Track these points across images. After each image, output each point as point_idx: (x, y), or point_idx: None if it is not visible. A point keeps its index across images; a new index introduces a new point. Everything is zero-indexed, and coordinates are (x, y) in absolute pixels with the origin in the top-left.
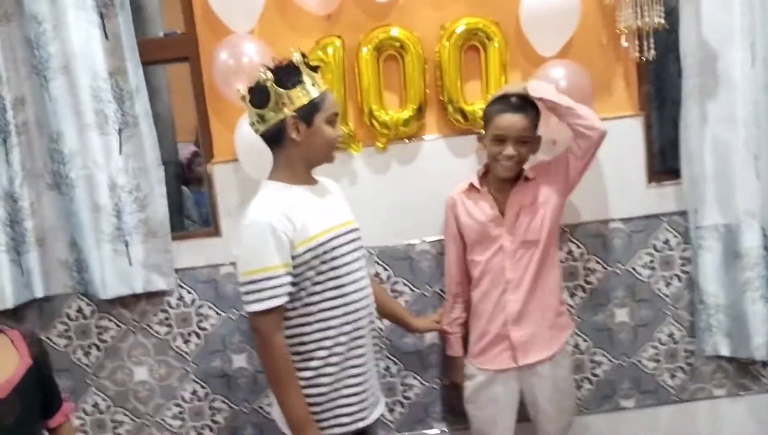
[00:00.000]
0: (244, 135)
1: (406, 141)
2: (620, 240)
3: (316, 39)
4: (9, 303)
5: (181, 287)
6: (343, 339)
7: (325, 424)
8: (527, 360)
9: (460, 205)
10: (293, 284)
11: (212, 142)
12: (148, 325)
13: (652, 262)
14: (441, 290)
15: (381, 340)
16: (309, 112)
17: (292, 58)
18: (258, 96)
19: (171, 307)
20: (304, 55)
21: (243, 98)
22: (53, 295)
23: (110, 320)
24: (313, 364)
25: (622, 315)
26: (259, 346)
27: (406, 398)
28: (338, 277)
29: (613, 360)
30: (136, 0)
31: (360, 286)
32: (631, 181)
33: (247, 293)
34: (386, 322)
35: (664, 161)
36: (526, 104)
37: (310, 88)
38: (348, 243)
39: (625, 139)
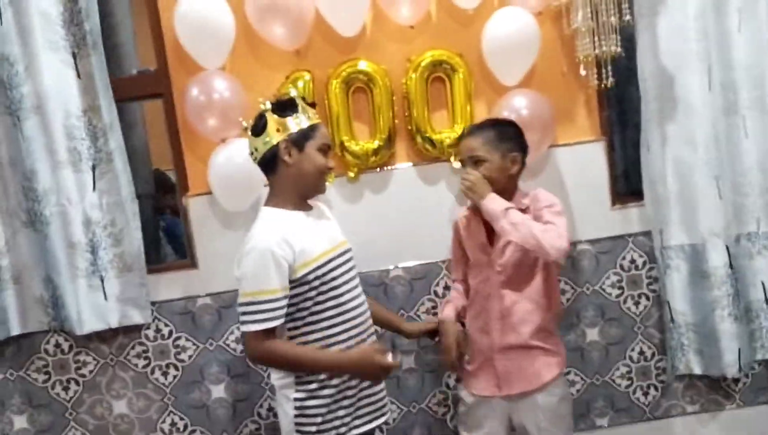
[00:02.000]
0: (218, 168)
1: (377, 170)
2: (588, 261)
3: (286, 73)
4: None
5: (158, 320)
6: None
7: (325, 433)
8: (511, 390)
9: (461, 225)
10: (294, 305)
11: (187, 176)
12: (126, 359)
13: (619, 281)
14: (417, 315)
15: None
16: (301, 138)
17: (290, 94)
18: (256, 125)
19: (148, 340)
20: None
21: (245, 129)
22: (30, 331)
23: (88, 355)
24: (319, 376)
25: (593, 334)
26: (259, 359)
27: (385, 424)
28: (338, 296)
29: (586, 379)
30: (110, 38)
31: (358, 302)
32: (595, 203)
33: (245, 314)
34: None
35: (627, 183)
36: (485, 126)
37: (303, 119)
38: (344, 263)
39: (588, 164)
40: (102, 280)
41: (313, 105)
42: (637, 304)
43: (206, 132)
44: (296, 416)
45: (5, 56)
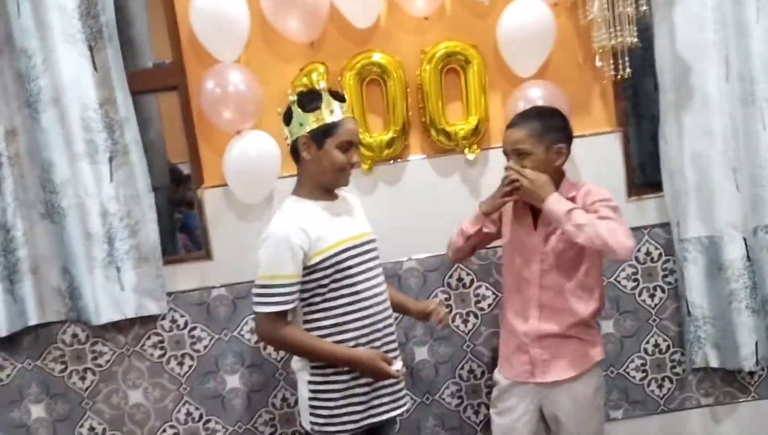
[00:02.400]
0: (233, 160)
1: (391, 162)
2: None
3: (301, 66)
4: (3, 331)
5: (174, 311)
6: (362, 341)
7: (337, 420)
8: (545, 378)
9: (508, 206)
10: (309, 290)
11: (202, 168)
12: (141, 349)
13: (635, 273)
14: None
15: None
16: (321, 135)
17: (317, 86)
18: (286, 115)
19: (164, 331)
20: (331, 92)
21: (280, 114)
22: (47, 322)
23: (104, 345)
24: (328, 365)
25: (607, 327)
26: (267, 340)
27: (399, 416)
28: (352, 284)
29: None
30: (125, 31)
31: (374, 292)
32: (611, 193)
33: (259, 295)
34: None
35: (643, 175)
36: (530, 116)
37: (326, 114)
38: (361, 254)
39: (604, 155)
40: (118, 271)
41: (342, 98)
42: (652, 296)
43: (221, 124)
44: (310, 399)
45: (23, 49)
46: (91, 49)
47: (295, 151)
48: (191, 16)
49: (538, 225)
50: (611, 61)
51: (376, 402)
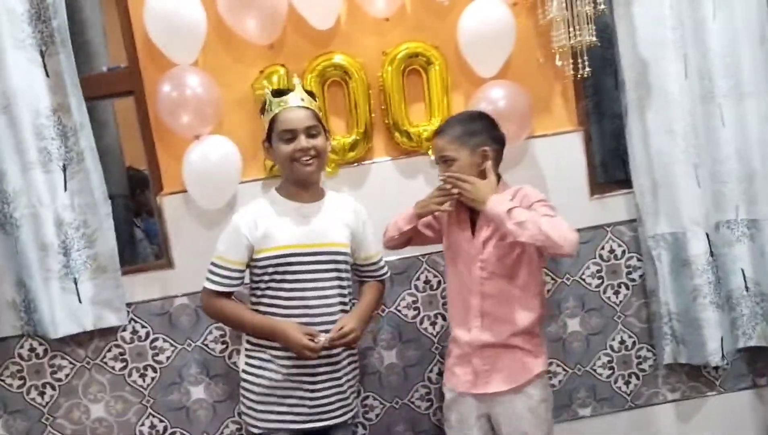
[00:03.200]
0: (192, 166)
1: (355, 164)
2: None
3: (261, 68)
4: None
5: (135, 321)
6: (283, 351)
7: (259, 415)
8: (486, 389)
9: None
10: (254, 282)
11: (161, 174)
12: (102, 362)
13: (599, 271)
14: (397, 310)
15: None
16: (269, 133)
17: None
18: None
19: (125, 342)
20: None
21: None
22: (4, 336)
23: (63, 358)
24: (264, 355)
25: (574, 325)
26: (206, 312)
27: (368, 420)
28: (290, 290)
29: (567, 369)
30: (79, 35)
31: (315, 304)
32: (574, 194)
33: (209, 271)
34: None
35: (605, 173)
36: (452, 122)
37: (267, 114)
38: (313, 263)
39: (566, 154)
40: (76, 283)
41: (283, 92)
42: (617, 293)
43: (179, 129)
44: (242, 382)
45: None
46: (42, 54)
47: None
48: (146, 18)
49: (476, 231)
50: (571, 61)
51: (296, 410)
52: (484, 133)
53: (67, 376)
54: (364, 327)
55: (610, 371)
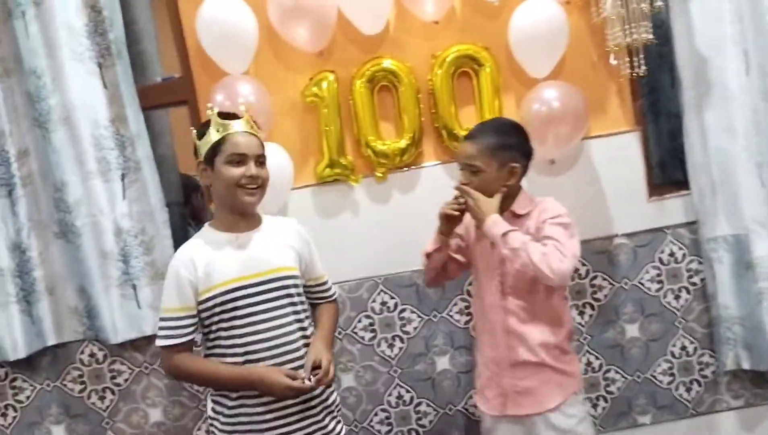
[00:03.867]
0: None
1: (405, 169)
2: (625, 255)
3: (310, 75)
4: (22, 353)
5: None
6: (251, 392)
7: None
8: (518, 411)
9: (471, 226)
10: (205, 326)
11: None
12: (160, 367)
13: (659, 275)
14: (449, 315)
15: (390, 370)
16: (210, 156)
17: (207, 113)
18: (195, 152)
19: None
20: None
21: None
22: (65, 342)
23: (123, 364)
24: (229, 403)
25: (632, 330)
26: (168, 373)
27: (421, 426)
28: (242, 326)
29: (626, 376)
30: (133, 47)
31: (273, 337)
32: (632, 196)
33: (158, 328)
34: (396, 349)
35: (663, 174)
36: (486, 130)
37: (213, 135)
38: (262, 293)
39: (623, 155)
40: (135, 289)
41: (231, 116)
42: (677, 298)
43: None
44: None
45: (32, 69)
46: (100, 66)
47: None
48: (198, 29)
49: (495, 246)
50: (627, 59)
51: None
52: (517, 147)
53: (126, 380)
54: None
55: (671, 378)
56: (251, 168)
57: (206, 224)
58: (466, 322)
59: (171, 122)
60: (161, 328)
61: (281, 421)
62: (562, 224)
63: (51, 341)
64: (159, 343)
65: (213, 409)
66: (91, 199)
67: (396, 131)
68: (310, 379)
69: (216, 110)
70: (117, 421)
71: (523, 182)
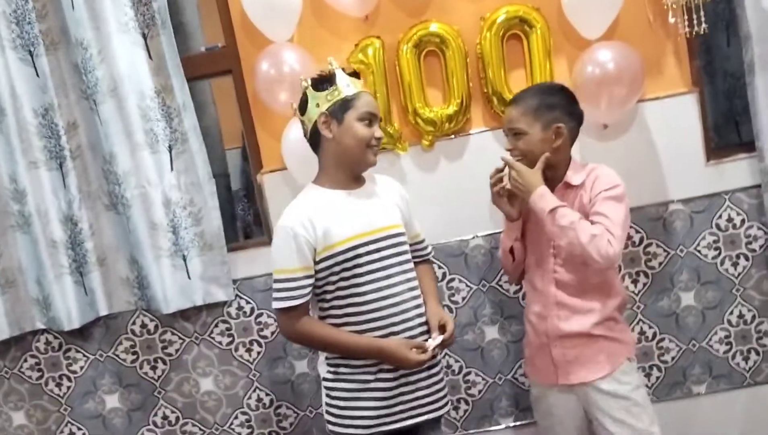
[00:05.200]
0: (291, 143)
1: (453, 137)
2: (681, 222)
3: (355, 41)
4: (76, 323)
5: (240, 297)
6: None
7: (347, 422)
8: (568, 380)
9: None
10: (320, 287)
11: (260, 152)
12: (210, 337)
13: (716, 241)
14: (498, 285)
15: None
16: (340, 109)
17: (330, 67)
18: (301, 104)
19: (231, 318)
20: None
21: (294, 111)
22: (117, 312)
23: (173, 334)
24: (342, 363)
25: (688, 299)
26: (288, 337)
27: (470, 395)
28: (361, 284)
29: (681, 345)
30: (176, 16)
31: (390, 293)
32: (688, 160)
33: (273, 290)
34: None
35: (719, 137)
36: (529, 93)
37: (343, 88)
38: (378, 250)
39: (679, 118)
40: (185, 260)
41: (356, 75)
42: (735, 265)
43: (278, 106)
44: (326, 395)
45: (79, 41)
46: (144, 36)
47: (314, 138)
48: None
49: None
50: (685, 17)
51: (395, 409)
52: (561, 107)
53: (177, 351)
54: None
55: (728, 347)
56: (378, 130)
57: (311, 183)
58: (515, 292)
59: (214, 93)
60: (279, 290)
61: (409, 387)
62: (615, 198)
63: (103, 311)
64: (278, 305)
65: (333, 372)
66: (140, 170)
67: (443, 98)
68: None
69: (337, 64)
70: (169, 390)
71: (575, 148)
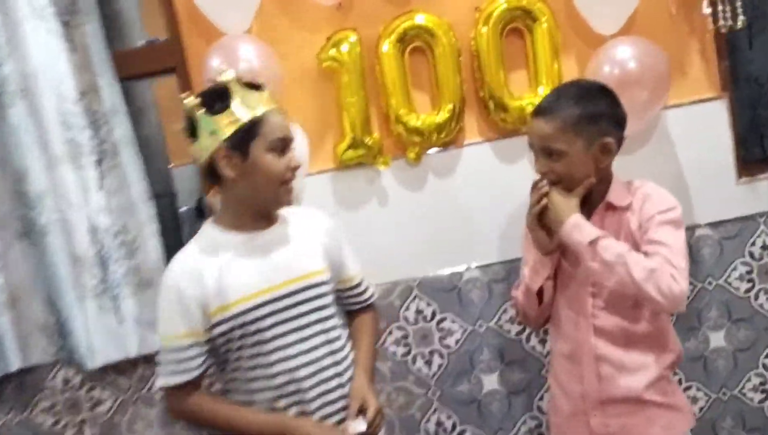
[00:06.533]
0: None
1: (443, 149)
2: (709, 249)
3: (327, 34)
4: None
5: None
6: None
7: None
8: None
9: None
10: (217, 354)
11: None
12: (149, 393)
13: (749, 272)
14: (498, 325)
15: (428, 391)
16: (243, 139)
17: (224, 78)
18: (188, 126)
19: None
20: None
21: (182, 131)
22: (33, 365)
23: (104, 390)
24: None
25: (717, 339)
26: (177, 418)
27: None
28: (268, 353)
29: (710, 394)
30: (108, 3)
31: (306, 360)
32: (717, 177)
33: (157, 363)
34: (434, 366)
35: (755, 150)
36: (564, 98)
37: (240, 112)
38: (289, 308)
39: (706, 128)
40: (115, 300)
41: (257, 87)
42: None
43: None
44: None
45: None
46: (65, 25)
47: (210, 172)
48: None
49: None
50: (720, 8)
51: None
52: (607, 116)
53: (108, 410)
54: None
55: (763, 395)
56: (293, 158)
57: (207, 223)
58: (518, 332)
59: (156, 96)
60: (164, 363)
61: None
62: (673, 222)
63: (16, 365)
64: (163, 382)
65: None
66: (59, 190)
67: (432, 103)
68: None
69: (233, 74)
70: None
71: None
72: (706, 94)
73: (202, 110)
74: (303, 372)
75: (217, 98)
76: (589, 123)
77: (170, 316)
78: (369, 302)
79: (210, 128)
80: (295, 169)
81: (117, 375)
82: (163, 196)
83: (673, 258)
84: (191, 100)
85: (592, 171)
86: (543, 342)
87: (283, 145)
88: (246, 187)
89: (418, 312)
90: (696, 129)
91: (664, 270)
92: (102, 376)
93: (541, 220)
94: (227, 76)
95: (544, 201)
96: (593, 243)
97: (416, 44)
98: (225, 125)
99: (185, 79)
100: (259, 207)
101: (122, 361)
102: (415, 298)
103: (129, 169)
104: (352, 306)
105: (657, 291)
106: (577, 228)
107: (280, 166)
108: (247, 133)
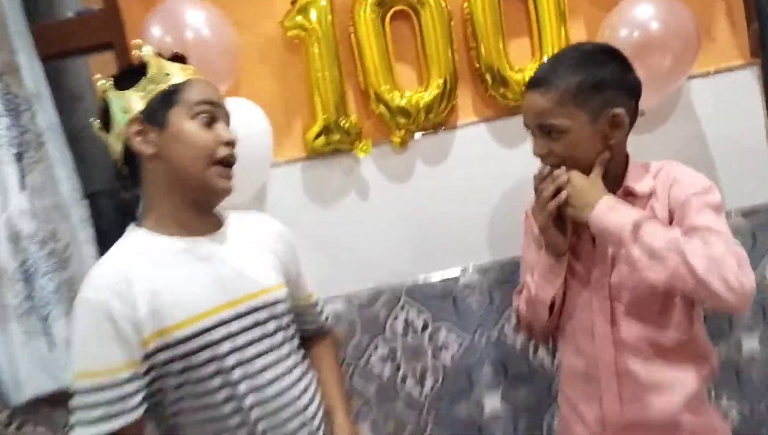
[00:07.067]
0: None
1: (433, 132)
2: (741, 239)
3: None
4: None
5: None
6: None
7: None
8: None
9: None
10: (152, 392)
11: None
12: None
13: None
14: (500, 335)
15: (420, 415)
16: (160, 107)
17: (141, 53)
18: (101, 117)
19: None
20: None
21: (96, 124)
22: None
23: (38, 425)
24: None
25: (751, 344)
26: None
27: None
28: (218, 389)
29: (743, 407)
30: None
31: (270, 396)
32: (747, 157)
33: (77, 409)
34: (427, 386)
35: None
36: (562, 65)
37: (160, 80)
38: (247, 330)
39: (735, 99)
40: (45, 321)
41: (180, 58)
42: None
43: None
44: None
45: None
46: None
47: (130, 163)
48: None
49: (598, 243)
50: None
51: None
52: (614, 83)
53: None
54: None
55: None
56: (225, 130)
57: (133, 225)
58: (524, 344)
59: (91, 75)
60: (87, 408)
61: None
62: (713, 206)
63: None
64: (91, 431)
65: None
66: None
67: (419, 78)
68: None
69: (151, 50)
70: None
71: None
72: (734, 61)
73: (114, 90)
74: (272, 405)
75: (130, 74)
76: (592, 92)
77: (100, 344)
78: (327, 324)
79: (121, 105)
80: (228, 144)
81: (50, 408)
82: (102, 193)
83: (730, 244)
84: (103, 83)
85: (601, 150)
86: (553, 354)
87: (210, 114)
88: (168, 168)
89: (408, 323)
90: (723, 101)
91: (727, 258)
92: (34, 409)
93: (556, 217)
94: (145, 50)
95: (564, 194)
96: (637, 227)
97: (399, 7)
98: (139, 99)
99: (124, 54)
100: (186, 196)
101: (57, 393)
102: (403, 306)
103: (56, 164)
104: (307, 329)
105: (724, 285)
106: (614, 210)
107: (207, 138)
108: (164, 101)
